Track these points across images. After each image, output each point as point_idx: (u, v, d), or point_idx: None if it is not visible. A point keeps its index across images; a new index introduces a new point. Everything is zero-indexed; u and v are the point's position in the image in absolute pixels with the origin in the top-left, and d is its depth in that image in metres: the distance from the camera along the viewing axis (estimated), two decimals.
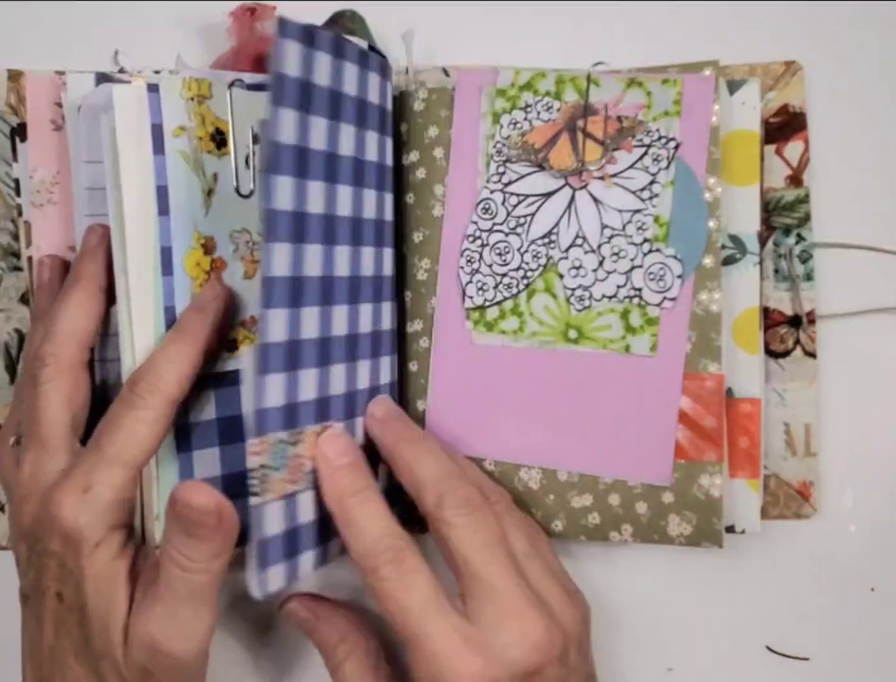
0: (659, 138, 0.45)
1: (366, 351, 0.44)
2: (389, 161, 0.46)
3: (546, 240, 0.46)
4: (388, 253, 0.46)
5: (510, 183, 0.47)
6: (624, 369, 0.45)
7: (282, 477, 0.39)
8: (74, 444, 0.41)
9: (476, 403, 0.47)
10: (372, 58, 0.44)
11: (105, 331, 0.44)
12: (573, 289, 0.46)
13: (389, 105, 0.46)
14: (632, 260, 0.46)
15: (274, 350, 0.38)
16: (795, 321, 0.48)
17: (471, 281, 0.47)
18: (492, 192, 0.47)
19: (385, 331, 0.45)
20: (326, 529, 0.41)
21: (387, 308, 0.46)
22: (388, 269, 0.46)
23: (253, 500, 0.37)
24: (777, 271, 0.48)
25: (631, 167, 0.45)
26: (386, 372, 0.46)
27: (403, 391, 0.48)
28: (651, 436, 0.45)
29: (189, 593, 0.38)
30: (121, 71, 0.48)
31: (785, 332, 0.48)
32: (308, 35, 0.38)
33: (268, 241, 0.37)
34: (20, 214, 0.46)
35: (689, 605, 0.49)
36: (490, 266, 0.47)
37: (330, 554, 0.42)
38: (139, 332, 0.42)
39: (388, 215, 0.46)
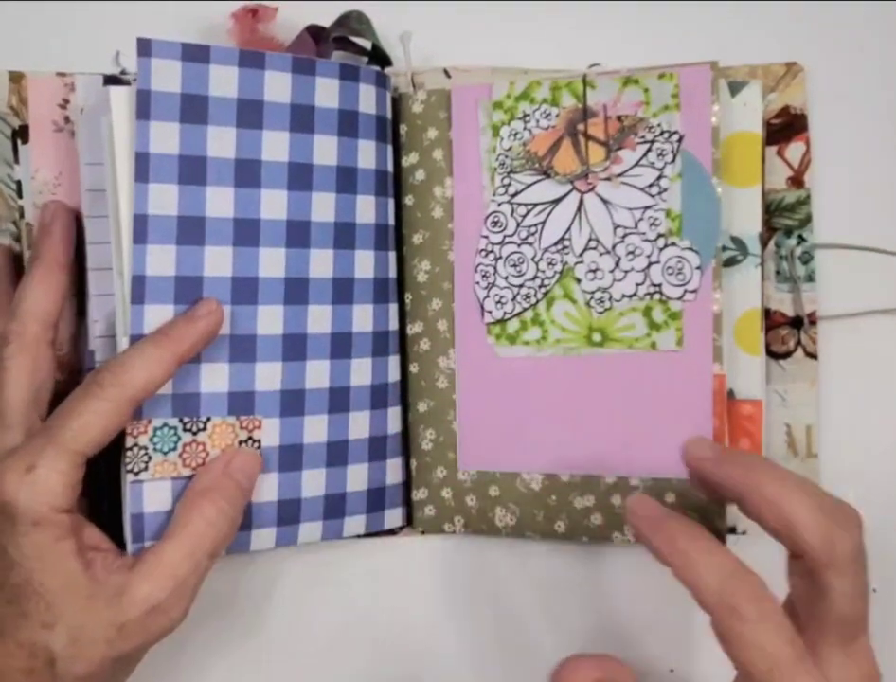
0: (662, 133, 0.45)
1: (319, 353, 0.44)
2: (390, 167, 0.46)
3: (560, 246, 0.46)
4: (368, 256, 0.46)
5: (516, 193, 0.46)
6: (652, 367, 0.45)
7: (170, 460, 0.41)
8: (33, 421, 0.40)
9: (507, 416, 0.47)
10: (364, 70, 0.44)
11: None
12: (592, 292, 0.46)
13: (388, 114, 0.46)
14: (648, 256, 0.45)
15: None
16: (796, 322, 0.48)
17: (488, 296, 0.47)
18: (499, 205, 0.47)
19: (357, 333, 0.45)
20: None
21: (363, 310, 0.45)
22: (364, 272, 0.45)
23: (129, 476, 0.41)
24: (778, 272, 0.48)
25: (636, 164, 0.45)
26: (365, 375, 0.46)
27: (405, 393, 0.48)
28: (688, 429, 0.44)
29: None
30: (122, 72, 0.48)
31: (787, 333, 0.48)
32: (194, 52, 0.41)
33: (136, 242, 0.40)
34: (22, 216, 0.46)
35: (690, 605, 0.49)
36: (505, 279, 0.47)
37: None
38: None
39: (390, 219, 0.47)
